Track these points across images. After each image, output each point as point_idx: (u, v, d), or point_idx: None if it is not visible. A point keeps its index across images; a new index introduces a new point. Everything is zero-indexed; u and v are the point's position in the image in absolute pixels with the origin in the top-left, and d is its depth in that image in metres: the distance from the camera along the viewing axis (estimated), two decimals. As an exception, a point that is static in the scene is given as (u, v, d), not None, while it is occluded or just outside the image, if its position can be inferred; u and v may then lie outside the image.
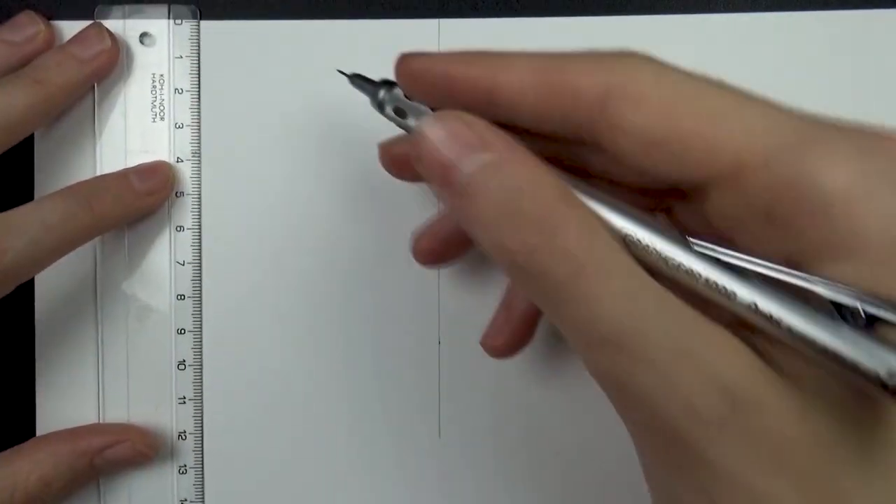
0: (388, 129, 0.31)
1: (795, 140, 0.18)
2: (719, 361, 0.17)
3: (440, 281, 0.31)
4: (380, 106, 0.23)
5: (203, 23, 0.31)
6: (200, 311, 0.31)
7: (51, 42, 0.30)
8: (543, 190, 0.18)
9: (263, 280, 0.31)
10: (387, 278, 0.31)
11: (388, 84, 0.23)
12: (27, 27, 0.29)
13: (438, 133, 0.19)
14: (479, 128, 0.19)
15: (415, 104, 0.22)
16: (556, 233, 0.18)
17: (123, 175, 0.30)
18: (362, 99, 0.31)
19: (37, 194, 0.30)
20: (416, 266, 0.31)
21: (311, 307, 0.31)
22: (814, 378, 0.17)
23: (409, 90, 0.22)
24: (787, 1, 0.31)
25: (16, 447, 0.29)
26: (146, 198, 0.30)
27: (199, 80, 0.31)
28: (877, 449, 0.17)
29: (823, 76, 0.31)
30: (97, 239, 0.30)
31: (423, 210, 0.30)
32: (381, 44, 0.31)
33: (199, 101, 0.31)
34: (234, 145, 0.31)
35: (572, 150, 0.21)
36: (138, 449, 0.30)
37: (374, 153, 0.31)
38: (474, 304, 0.30)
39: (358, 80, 0.24)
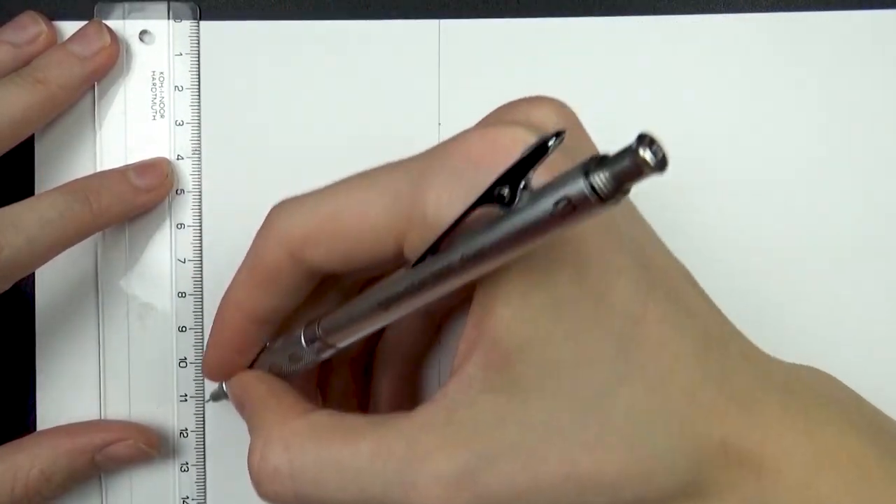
0: (387, 138, 0.31)
1: (413, 186, 0.22)
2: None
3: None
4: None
5: (203, 23, 0.31)
6: (202, 308, 0.31)
7: (53, 42, 0.30)
8: (246, 395, 0.26)
9: (264, 278, 0.31)
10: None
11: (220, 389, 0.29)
12: (30, 28, 0.29)
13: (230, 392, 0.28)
14: (239, 381, 0.27)
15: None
16: (250, 423, 0.25)
17: (122, 172, 0.30)
18: (362, 99, 0.31)
19: (37, 192, 0.31)
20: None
21: (311, 305, 0.31)
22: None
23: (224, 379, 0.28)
24: (787, 1, 0.31)
25: (16, 441, 0.29)
26: (145, 194, 0.30)
27: (199, 78, 0.31)
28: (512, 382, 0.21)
29: (823, 76, 0.31)
30: (98, 236, 0.30)
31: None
32: (381, 44, 0.31)
33: (199, 99, 0.31)
34: (234, 142, 0.31)
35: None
36: (140, 447, 0.30)
37: (374, 152, 0.31)
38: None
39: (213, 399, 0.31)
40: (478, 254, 0.19)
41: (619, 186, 0.17)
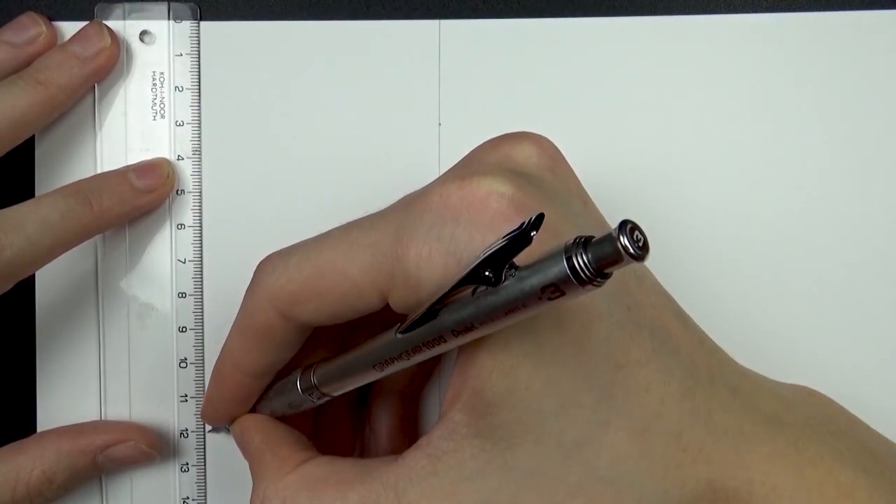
0: (387, 138, 0.31)
1: (393, 243, 0.22)
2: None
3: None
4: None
5: (203, 23, 0.31)
6: (202, 308, 0.31)
7: (53, 43, 0.30)
8: (246, 444, 0.27)
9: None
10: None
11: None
12: (29, 28, 0.29)
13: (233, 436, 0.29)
14: (240, 427, 0.28)
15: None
16: (251, 471, 0.26)
17: (123, 173, 0.30)
18: (362, 99, 0.31)
19: (38, 193, 0.31)
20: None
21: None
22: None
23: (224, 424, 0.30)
24: (787, 1, 0.31)
25: (18, 442, 0.29)
26: (145, 195, 0.30)
27: (199, 78, 0.31)
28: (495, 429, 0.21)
29: (823, 77, 0.31)
30: (98, 237, 0.30)
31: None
32: (381, 44, 0.31)
33: (199, 99, 0.31)
34: (234, 143, 0.31)
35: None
36: (142, 449, 0.30)
37: (374, 152, 0.31)
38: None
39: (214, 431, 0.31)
40: (466, 326, 0.20)
41: (601, 270, 0.17)
